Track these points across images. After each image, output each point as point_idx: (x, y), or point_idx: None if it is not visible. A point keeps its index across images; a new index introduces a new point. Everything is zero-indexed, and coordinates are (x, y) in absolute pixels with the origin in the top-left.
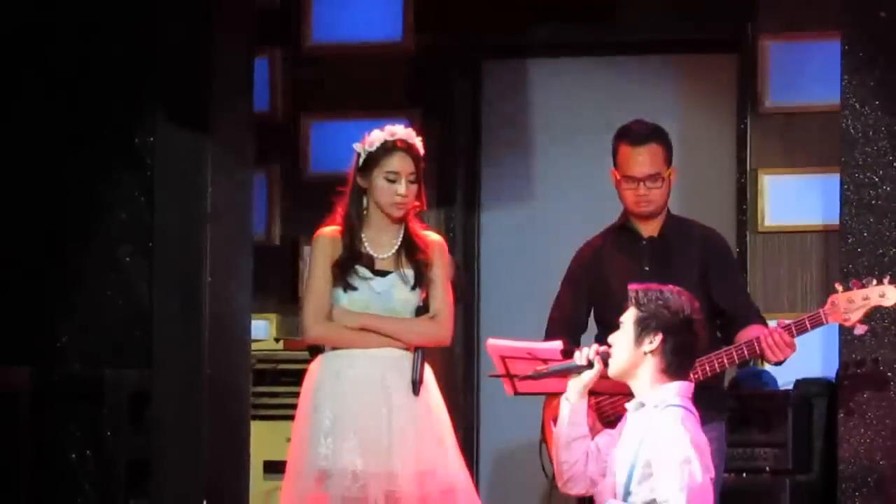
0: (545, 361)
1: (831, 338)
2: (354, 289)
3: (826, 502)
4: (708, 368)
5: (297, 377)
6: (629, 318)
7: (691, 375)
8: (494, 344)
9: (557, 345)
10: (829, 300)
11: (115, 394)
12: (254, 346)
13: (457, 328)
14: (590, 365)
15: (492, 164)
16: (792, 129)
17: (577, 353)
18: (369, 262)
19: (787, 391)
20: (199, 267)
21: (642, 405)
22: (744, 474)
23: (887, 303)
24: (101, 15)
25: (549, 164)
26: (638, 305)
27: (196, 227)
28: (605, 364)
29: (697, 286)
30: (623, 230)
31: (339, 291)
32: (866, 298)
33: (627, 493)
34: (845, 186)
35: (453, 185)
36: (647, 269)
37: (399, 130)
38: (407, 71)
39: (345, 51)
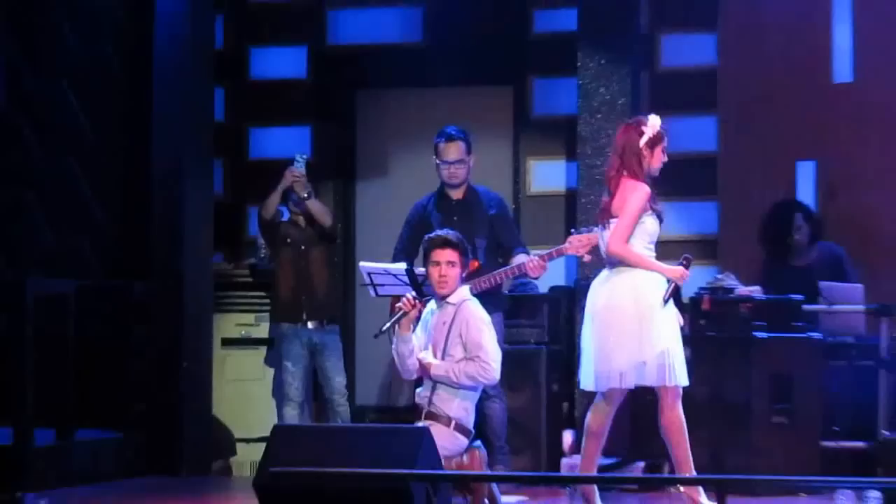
0: (396, 276)
1: (570, 262)
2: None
3: (569, 363)
4: (492, 281)
5: (241, 287)
6: (455, 255)
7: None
8: (364, 265)
9: (403, 265)
10: (568, 240)
11: (126, 298)
12: (214, 266)
13: (341, 263)
14: (413, 306)
15: (367, 157)
16: (548, 131)
17: (399, 305)
18: None
19: (544, 294)
20: (179, 219)
21: (446, 302)
22: (518, 345)
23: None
24: None
25: (400, 158)
26: (450, 245)
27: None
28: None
29: (488, 230)
30: (440, 195)
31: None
32: (590, 239)
33: (444, 353)
34: (581, 168)
35: (343, 170)
36: (455, 219)
37: None
38: (312, 95)
39: (274, 84)
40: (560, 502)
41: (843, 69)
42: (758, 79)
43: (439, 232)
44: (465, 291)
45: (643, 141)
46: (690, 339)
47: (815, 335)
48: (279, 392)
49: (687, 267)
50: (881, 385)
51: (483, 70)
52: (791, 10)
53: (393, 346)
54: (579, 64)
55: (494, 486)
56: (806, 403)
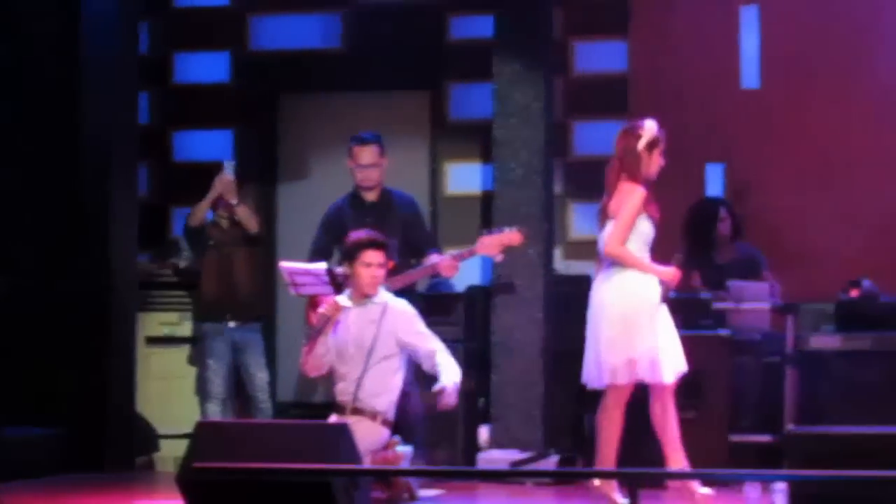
0: (316, 275)
1: (486, 262)
2: None
3: (484, 359)
4: (406, 280)
5: (165, 286)
6: (384, 256)
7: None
8: (284, 264)
9: (324, 265)
10: (479, 240)
11: (53, 297)
12: (139, 265)
13: (263, 263)
14: (337, 310)
15: (288, 160)
16: (465, 135)
17: (320, 311)
18: None
19: (461, 292)
20: (106, 220)
21: (371, 301)
22: None
23: (515, 243)
24: None
25: (321, 161)
26: (380, 247)
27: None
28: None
29: (401, 230)
30: (354, 196)
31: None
32: (501, 240)
33: (372, 350)
34: (496, 170)
35: (266, 173)
36: (369, 220)
37: None
38: (234, 99)
39: (198, 88)
40: (476, 497)
41: (750, 76)
42: (668, 84)
43: (367, 233)
44: (384, 290)
45: (641, 144)
46: None
47: (724, 332)
48: (202, 389)
49: (679, 267)
50: (787, 380)
51: (401, 75)
52: (700, 17)
53: (306, 347)
54: (495, 69)
55: (413, 480)
56: (714, 398)
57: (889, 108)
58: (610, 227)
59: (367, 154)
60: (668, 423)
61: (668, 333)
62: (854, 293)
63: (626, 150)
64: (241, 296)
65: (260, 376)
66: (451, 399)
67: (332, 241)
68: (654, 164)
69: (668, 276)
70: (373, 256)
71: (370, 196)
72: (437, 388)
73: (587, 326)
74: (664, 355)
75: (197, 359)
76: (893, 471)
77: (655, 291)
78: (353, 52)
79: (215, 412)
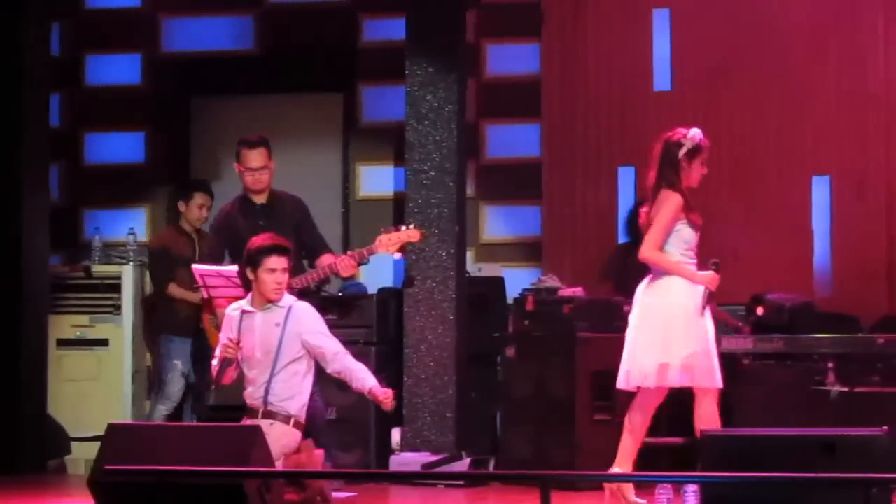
0: (228, 278)
1: (399, 264)
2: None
3: (396, 361)
4: (304, 282)
5: (76, 289)
6: (288, 262)
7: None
8: (197, 267)
9: (235, 267)
10: (377, 238)
11: None
12: (50, 268)
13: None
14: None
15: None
16: (377, 137)
17: (220, 356)
18: None
19: (373, 294)
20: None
21: (274, 305)
22: (348, 345)
23: (414, 240)
24: None
25: (232, 163)
26: (283, 252)
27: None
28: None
29: (293, 232)
30: (245, 200)
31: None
32: (399, 237)
33: (279, 353)
34: (409, 173)
35: (177, 175)
36: (261, 223)
37: None
38: (146, 101)
39: (109, 90)
40: (388, 499)
41: (662, 78)
42: (580, 87)
43: (270, 239)
44: (286, 293)
45: (682, 152)
46: (515, 338)
47: None
48: (160, 390)
49: (717, 271)
50: None
51: (314, 77)
52: (612, 20)
53: (215, 376)
54: (407, 72)
55: (325, 483)
56: (627, 400)
57: (799, 109)
58: (648, 233)
59: (257, 157)
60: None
61: (708, 340)
62: (759, 311)
63: (666, 157)
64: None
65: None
66: (390, 404)
67: (223, 246)
68: (694, 172)
69: (708, 282)
70: (277, 262)
71: (260, 199)
72: (381, 396)
73: (627, 330)
74: (702, 361)
75: (159, 361)
76: (805, 472)
77: (695, 297)
78: (266, 54)
79: (163, 415)
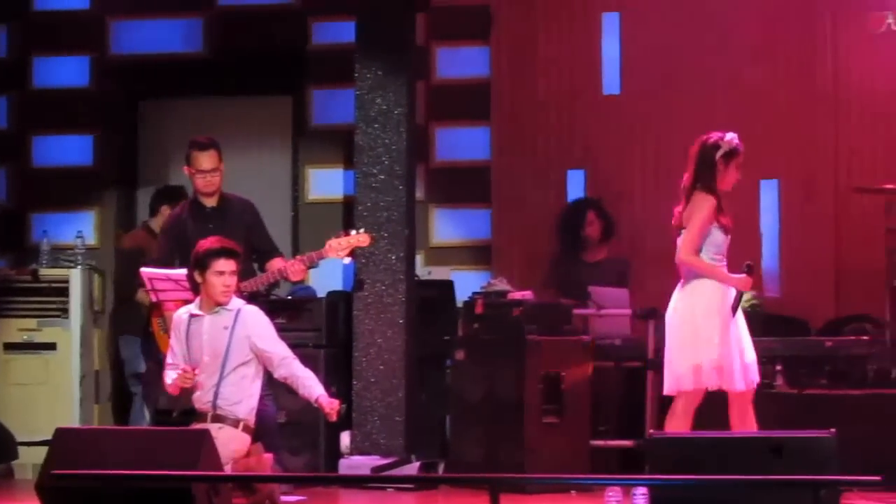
0: (177, 281)
1: (348, 267)
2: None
3: (345, 365)
4: (254, 286)
5: (23, 292)
6: (236, 264)
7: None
8: (145, 270)
9: (184, 271)
10: (327, 243)
11: None
12: None
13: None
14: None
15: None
16: (326, 140)
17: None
18: None
19: (322, 298)
20: None
21: (223, 308)
22: (297, 348)
23: (364, 244)
24: None
25: (181, 166)
26: (232, 255)
27: None
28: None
29: (243, 235)
30: (195, 203)
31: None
32: (349, 242)
33: (227, 357)
34: (358, 176)
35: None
36: (211, 227)
37: None
38: (95, 104)
39: (58, 92)
40: (337, 502)
41: (612, 81)
42: (530, 90)
43: (219, 242)
44: (234, 297)
45: (719, 154)
46: (464, 341)
47: (585, 337)
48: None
49: (750, 274)
50: (648, 385)
51: (263, 80)
52: (562, 24)
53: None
54: (357, 75)
55: (275, 486)
56: (576, 404)
57: (748, 113)
58: (683, 236)
59: (207, 159)
60: (748, 428)
61: (741, 341)
62: None
63: (703, 159)
64: None
65: None
66: (336, 416)
67: (174, 249)
68: (729, 176)
69: (741, 284)
70: (225, 265)
71: (210, 202)
72: (328, 407)
73: (667, 334)
74: (734, 363)
75: (133, 363)
76: (753, 474)
77: (727, 300)
78: (215, 57)
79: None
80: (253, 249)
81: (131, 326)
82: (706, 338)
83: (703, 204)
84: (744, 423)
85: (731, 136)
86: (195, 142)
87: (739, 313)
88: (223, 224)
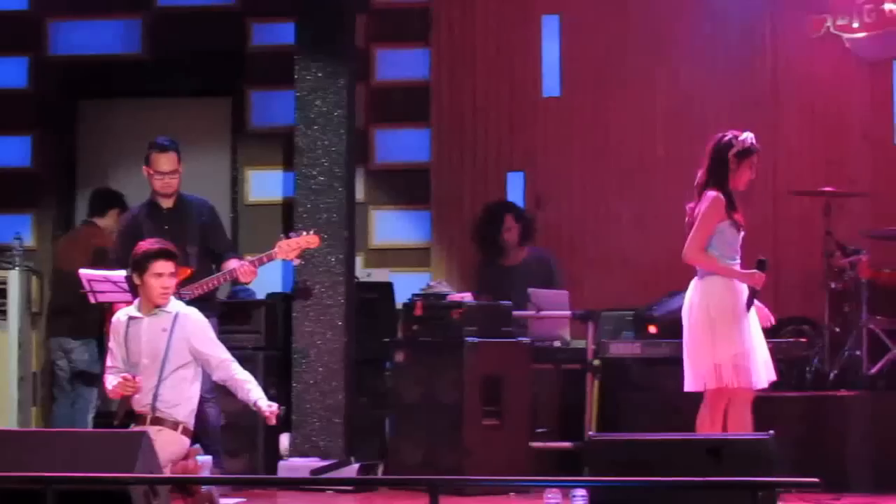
0: (115, 283)
1: (287, 268)
2: None
3: (284, 367)
4: (206, 287)
5: None
6: (174, 266)
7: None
8: (84, 272)
9: (123, 272)
10: (277, 244)
11: None
12: None
13: None
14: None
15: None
16: (266, 142)
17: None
18: None
19: (262, 300)
20: None
21: (161, 310)
22: (235, 350)
23: (313, 245)
24: None
25: (120, 168)
26: (170, 257)
27: None
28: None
29: (198, 237)
30: (151, 204)
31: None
32: (299, 244)
33: (166, 359)
34: (298, 178)
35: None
36: (167, 227)
37: None
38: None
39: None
40: None
41: (552, 84)
42: (469, 92)
43: (156, 243)
44: (174, 299)
45: (733, 152)
46: (404, 343)
47: (524, 339)
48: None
49: (762, 269)
50: (587, 387)
51: (202, 82)
52: (502, 26)
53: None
54: (296, 76)
55: (214, 489)
56: (515, 406)
57: (687, 115)
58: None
59: (167, 161)
60: (746, 429)
61: (755, 339)
62: (652, 330)
63: (716, 157)
64: None
65: None
66: (274, 420)
67: (130, 250)
68: (742, 175)
69: (753, 281)
70: (163, 267)
71: (166, 203)
72: (267, 411)
73: (684, 333)
74: (749, 361)
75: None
76: (692, 477)
77: (740, 296)
78: (154, 58)
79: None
80: (209, 250)
81: (85, 328)
82: (723, 336)
83: (711, 202)
84: (740, 424)
85: (745, 136)
86: (156, 143)
87: (752, 311)
88: (179, 225)
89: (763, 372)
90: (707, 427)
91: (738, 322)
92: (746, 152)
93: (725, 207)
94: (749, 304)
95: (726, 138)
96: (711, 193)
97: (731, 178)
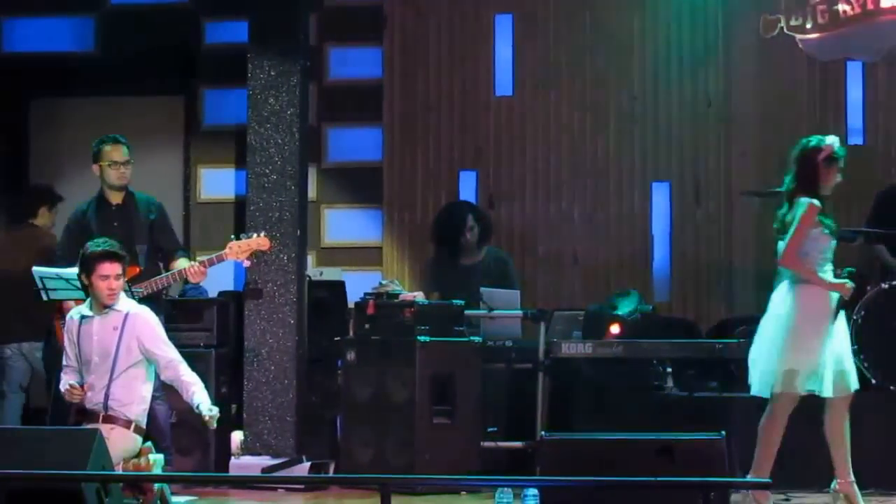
0: (68, 280)
1: (238, 267)
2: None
3: (236, 365)
4: (154, 286)
5: None
6: (121, 267)
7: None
8: (37, 269)
9: (76, 270)
10: (228, 245)
11: None
12: None
13: None
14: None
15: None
16: (219, 140)
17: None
18: None
19: (213, 298)
20: None
21: (111, 309)
22: (187, 348)
23: (264, 248)
24: None
25: (72, 166)
26: (116, 258)
27: None
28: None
29: (147, 235)
30: (100, 200)
31: None
32: (250, 245)
33: (116, 358)
34: (250, 176)
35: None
36: (115, 224)
37: None
38: None
39: None
40: (228, 502)
41: (504, 83)
42: (422, 91)
43: (101, 244)
44: (125, 297)
45: (821, 157)
46: (355, 342)
47: (476, 339)
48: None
49: (852, 279)
50: (539, 387)
51: (155, 80)
52: (455, 25)
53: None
54: (249, 75)
55: (166, 487)
56: (466, 405)
57: (639, 115)
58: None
59: (119, 151)
60: (835, 438)
61: (840, 347)
62: (615, 330)
63: (804, 163)
64: None
65: None
66: (212, 425)
67: (78, 247)
68: (829, 178)
69: (842, 290)
70: (109, 269)
71: (115, 199)
72: (207, 416)
73: (759, 335)
74: (827, 369)
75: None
76: (644, 476)
77: (828, 305)
78: (107, 56)
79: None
80: (157, 248)
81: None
82: (803, 343)
83: (804, 208)
84: (833, 432)
85: (832, 140)
86: (106, 137)
87: (840, 319)
88: (127, 222)
89: (837, 380)
90: (769, 431)
91: (820, 331)
92: (834, 158)
93: (819, 213)
94: (836, 314)
95: (813, 143)
96: (805, 200)
97: (821, 182)
